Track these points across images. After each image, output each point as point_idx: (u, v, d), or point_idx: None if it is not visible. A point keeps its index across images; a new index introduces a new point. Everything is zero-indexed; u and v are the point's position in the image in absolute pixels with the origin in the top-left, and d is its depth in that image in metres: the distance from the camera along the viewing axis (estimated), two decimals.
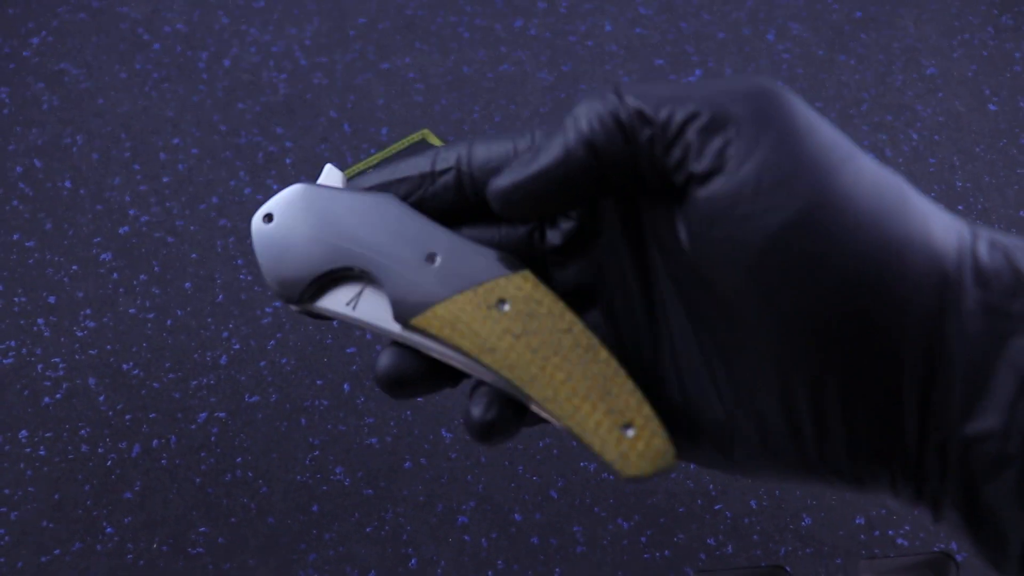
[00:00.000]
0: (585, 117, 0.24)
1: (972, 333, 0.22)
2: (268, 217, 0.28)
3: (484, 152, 0.27)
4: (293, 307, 0.28)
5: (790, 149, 0.22)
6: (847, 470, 0.24)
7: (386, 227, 0.27)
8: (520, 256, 0.27)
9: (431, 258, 0.26)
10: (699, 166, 0.23)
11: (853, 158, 0.22)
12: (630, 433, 0.25)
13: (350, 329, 0.43)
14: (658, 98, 0.23)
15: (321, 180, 0.28)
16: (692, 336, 0.26)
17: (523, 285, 0.26)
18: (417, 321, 0.26)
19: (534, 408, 0.26)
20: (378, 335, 0.27)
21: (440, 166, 0.27)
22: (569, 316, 0.26)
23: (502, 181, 0.25)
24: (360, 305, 0.27)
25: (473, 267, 0.26)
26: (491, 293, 0.26)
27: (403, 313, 0.26)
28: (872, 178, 0.22)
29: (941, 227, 0.22)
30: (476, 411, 0.25)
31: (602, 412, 0.25)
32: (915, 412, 0.22)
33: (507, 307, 0.26)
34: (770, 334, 0.23)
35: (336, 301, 0.27)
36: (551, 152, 0.24)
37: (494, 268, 0.26)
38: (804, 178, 0.22)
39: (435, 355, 0.26)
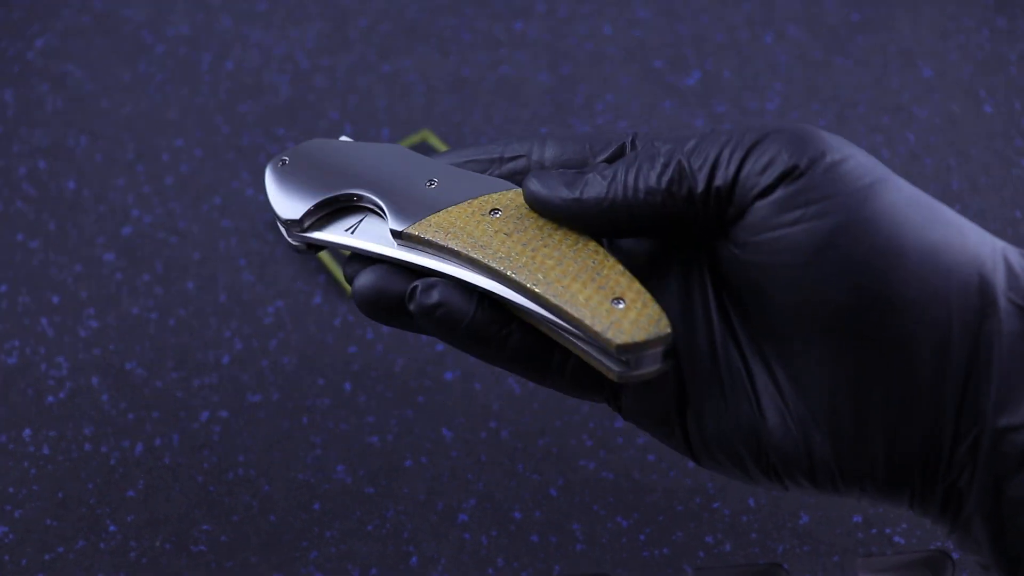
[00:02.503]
0: (642, 180, 0.25)
1: (1008, 331, 0.22)
2: (283, 161, 0.29)
3: (559, 147, 0.28)
4: (294, 241, 0.28)
5: (836, 166, 0.23)
6: (880, 474, 0.24)
7: (390, 161, 0.28)
8: None
9: (430, 182, 0.27)
10: (758, 187, 0.24)
11: (892, 177, 0.24)
12: (621, 305, 0.25)
13: (351, 329, 0.44)
14: (705, 148, 0.25)
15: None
16: (737, 341, 0.27)
17: (515, 198, 0.27)
18: (414, 228, 0.27)
19: (524, 307, 0.26)
20: (374, 259, 0.28)
21: (509, 153, 0.28)
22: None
23: (539, 190, 0.26)
24: (359, 231, 0.28)
25: (469, 186, 0.27)
26: (484, 204, 0.27)
27: (401, 222, 0.27)
28: (910, 192, 0.24)
29: (975, 234, 0.23)
30: (423, 297, 0.26)
31: (592, 289, 0.25)
32: (953, 410, 0.23)
33: (499, 214, 0.27)
34: (817, 336, 0.24)
35: (336, 231, 0.28)
36: (597, 196, 0.25)
37: (488, 186, 0.27)
38: (851, 191, 0.23)
39: (425, 267, 0.27)
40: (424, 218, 0.26)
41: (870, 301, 0.23)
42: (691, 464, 0.40)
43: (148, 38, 0.53)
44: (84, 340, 0.43)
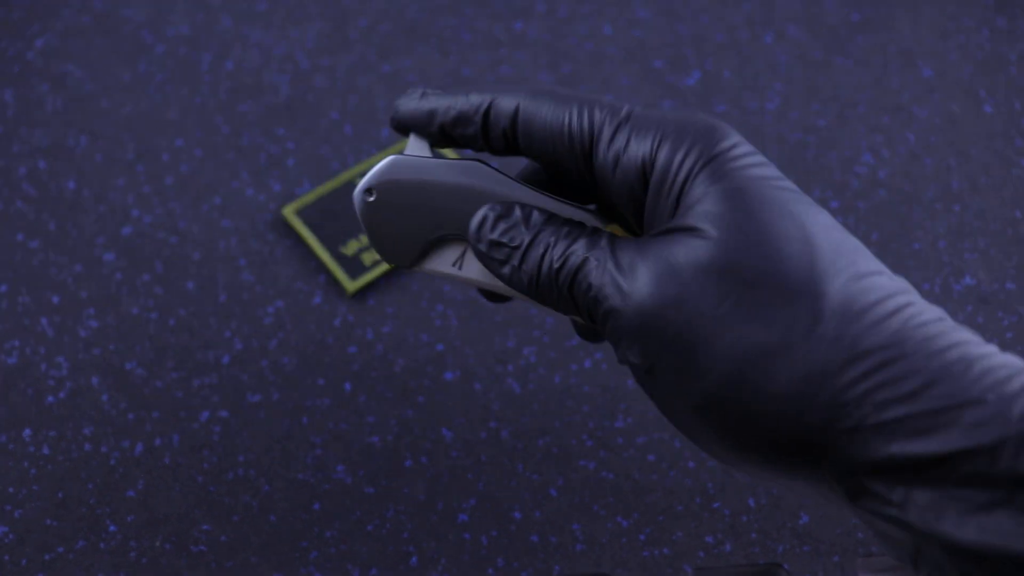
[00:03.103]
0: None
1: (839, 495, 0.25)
2: (369, 192, 0.30)
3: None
4: (396, 266, 0.30)
5: (687, 352, 0.25)
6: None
7: (484, 193, 0.29)
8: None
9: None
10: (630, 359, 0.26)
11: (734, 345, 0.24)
12: None
13: (351, 329, 0.44)
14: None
15: (408, 149, 0.30)
16: None
17: (616, 231, 0.29)
18: None
19: None
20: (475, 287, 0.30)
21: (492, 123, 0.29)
22: None
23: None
24: (464, 265, 0.30)
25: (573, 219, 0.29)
26: None
27: None
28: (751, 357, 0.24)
29: (818, 399, 0.23)
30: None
31: None
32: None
33: None
34: (722, 452, 0.26)
35: (443, 262, 0.30)
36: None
37: (591, 222, 0.29)
38: (706, 375, 0.24)
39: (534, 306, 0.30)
40: None
41: (748, 438, 0.25)
42: (691, 464, 0.40)
43: (148, 38, 0.53)
44: (84, 340, 0.43)
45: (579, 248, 0.26)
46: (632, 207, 0.27)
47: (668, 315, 0.24)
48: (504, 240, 0.27)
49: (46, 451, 0.40)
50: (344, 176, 0.47)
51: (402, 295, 0.44)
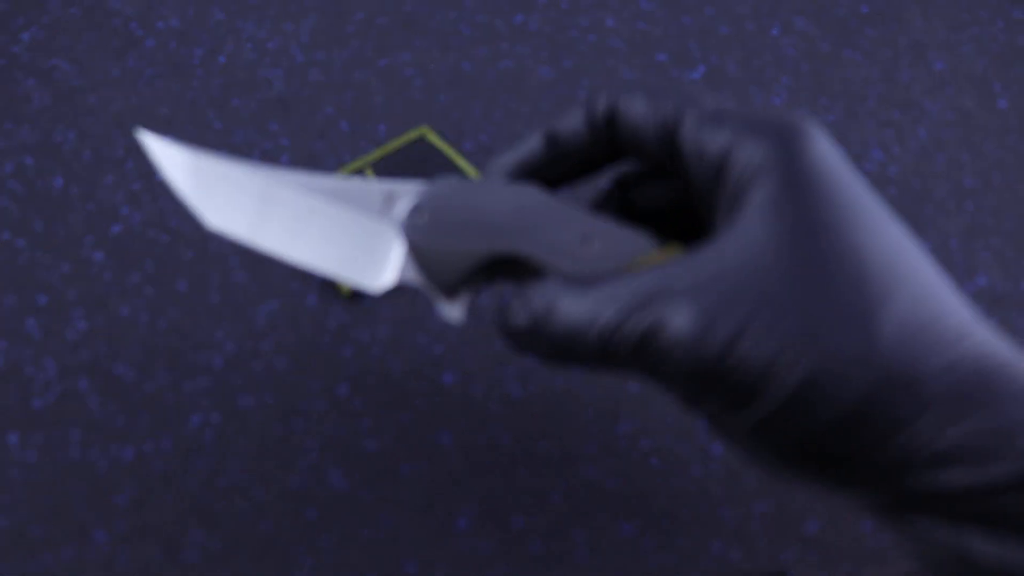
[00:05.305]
0: None
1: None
2: (420, 212, 0.29)
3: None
4: (445, 303, 0.30)
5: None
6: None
7: (540, 214, 0.28)
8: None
9: (587, 239, 0.28)
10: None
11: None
12: None
13: (346, 331, 0.43)
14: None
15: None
16: None
17: (658, 257, 0.28)
18: None
19: None
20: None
21: (597, 125, 0.29)
22: None
23: None
24: None
25: (628, 244, 0.28)
26: (648, 266, 0.27)
27: None
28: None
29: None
30: None
31: None
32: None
33: None
34: (775, 466, 0.26)
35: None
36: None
37: (646, 243, 0.28)
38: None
39: None
40: None
41: (804, 462, 0.26)
42: (696, 469, 0.40)
43: (138, 31, 0.53)
44: (72, 342, 0.43)
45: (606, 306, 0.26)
46: (708, 204, 0.27)
47: (710, 354, 0.24)
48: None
49: (32, 457, 0.40)
50: (339, 174, 0.47)
51: (399, 296, 0.44)
